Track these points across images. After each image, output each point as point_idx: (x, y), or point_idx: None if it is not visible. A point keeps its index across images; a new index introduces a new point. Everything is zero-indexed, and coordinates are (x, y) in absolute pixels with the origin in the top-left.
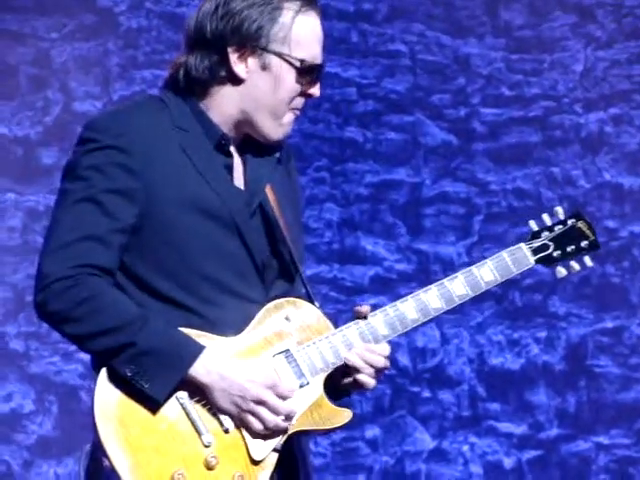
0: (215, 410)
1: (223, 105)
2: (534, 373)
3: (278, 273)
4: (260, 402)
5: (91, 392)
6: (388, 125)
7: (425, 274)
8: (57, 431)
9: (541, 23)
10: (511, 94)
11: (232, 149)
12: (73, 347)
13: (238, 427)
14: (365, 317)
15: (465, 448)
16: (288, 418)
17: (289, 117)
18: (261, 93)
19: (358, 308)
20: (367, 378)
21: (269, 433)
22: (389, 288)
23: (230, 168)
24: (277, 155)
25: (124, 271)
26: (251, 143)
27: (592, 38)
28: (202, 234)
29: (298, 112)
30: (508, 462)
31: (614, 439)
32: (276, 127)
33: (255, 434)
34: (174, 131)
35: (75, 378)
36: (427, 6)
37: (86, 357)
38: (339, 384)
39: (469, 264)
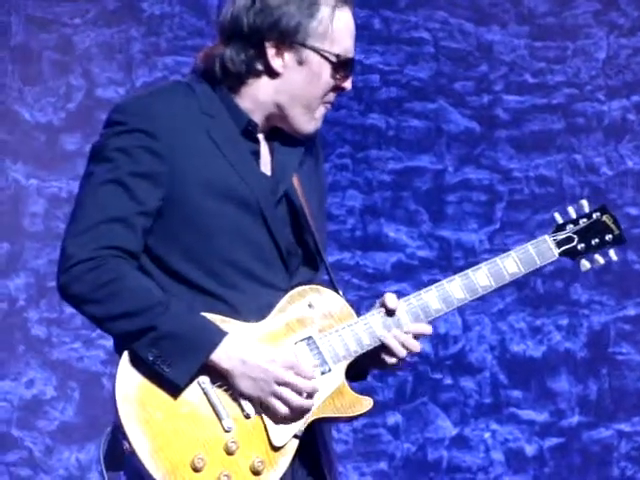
0: (236, 395)
1: (257, 97)
2: (556, 360)
3: (302, 260)
4: (282, 383)
5: (113, 378)
6: (411, 112)
7: (447, 261)
8: (79, 417)
9: (564, 10)
10: (534, 81)
11: (260, 136)
12: (95, 333)
13: (259, 413)
14: (393, 313)
15: (487, 435)
16: (311, 396)
17: (321, 111)
18: (297, 87)
19: (385, 304)
20: (396, 361)
21: (293, 415)
22: (411, 275)
23: (257, 154)
24: (304, 146)
25: (148, 254)
26: (279, 131)
27: (615, 26)
28: (227, 219)
29: (329, 106)
30: (530, 449)
31: (636, 426)
32: (309, 120)
33: (278, 417)
34: (201, 117)
35: (97, 364)
36: None
37: (108, 344)
38: (362, 365)
39: (491, 251)
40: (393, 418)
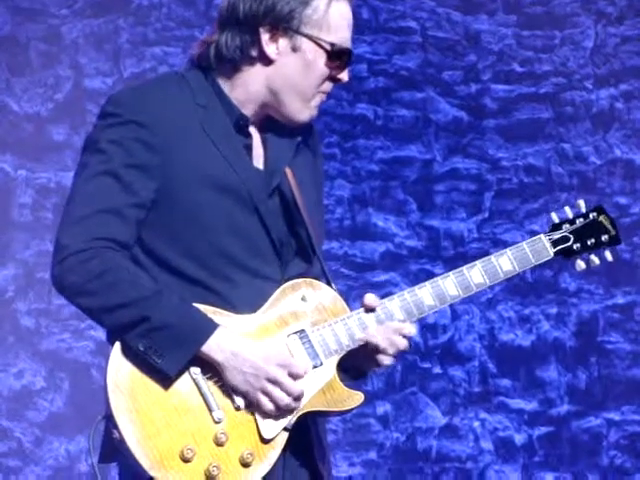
0: (227, 387)
1: (250, 84)
2: (545, 349)
3: (296, 252)
4: (273, 381)
5: (101, 369)
6: (399, 102)
7: (435, 250)
8: (68, 408)
9: None
10: (522, 70)
11: (252, 129)
12: (84, 324)
13: (249, 405)
14: (373, 310)
15: (476, 424)
16: (299, 399)
17: (317, 100)
18: (290, 74)
19: (365, 304)
20: (388, 359)
21: (278, 413)
22: (399, 264)
23: (249, 148)
24: (299, 138)
25: (141, 246)
26: (272, 124)
27: (602, 14)
28: (219, 211)
29: (325, 96)
30: (519, 438)
31: (625, 415)
32: (303, 109)
33: (265, 413)
34: (195, 109)
35: (86, 355)
36: None
37: (97, 334)
38: (359, 365)
39: (479, 240)
40: (382, 408)
